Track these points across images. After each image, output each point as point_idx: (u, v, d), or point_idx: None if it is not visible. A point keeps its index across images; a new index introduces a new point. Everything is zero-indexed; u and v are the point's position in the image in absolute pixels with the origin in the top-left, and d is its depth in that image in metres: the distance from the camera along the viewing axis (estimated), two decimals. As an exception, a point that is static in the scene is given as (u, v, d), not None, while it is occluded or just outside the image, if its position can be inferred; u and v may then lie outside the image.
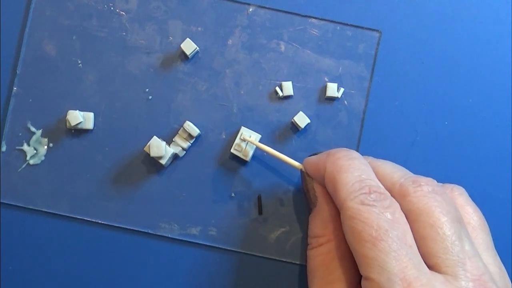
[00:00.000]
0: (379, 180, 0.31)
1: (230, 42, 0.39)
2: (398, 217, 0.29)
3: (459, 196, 0.33)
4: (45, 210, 0.38)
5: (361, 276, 0.29)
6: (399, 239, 0.28)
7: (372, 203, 0.29)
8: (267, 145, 0.37)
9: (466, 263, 0.28)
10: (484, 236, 0.32)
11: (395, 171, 0.32)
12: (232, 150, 0.37)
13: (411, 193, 0.30)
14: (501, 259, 0.36)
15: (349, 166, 0.31)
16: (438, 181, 0.38)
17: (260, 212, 0.38)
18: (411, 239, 0.29)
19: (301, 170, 0.35)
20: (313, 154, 0.35)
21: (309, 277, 0.33)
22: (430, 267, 0.28)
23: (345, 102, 0.39)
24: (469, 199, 0.33)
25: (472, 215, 0.32)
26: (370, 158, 0.34)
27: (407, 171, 0.33)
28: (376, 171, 0.32)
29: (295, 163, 0.36)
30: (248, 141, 0.37)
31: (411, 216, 0.30)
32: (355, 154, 0.33)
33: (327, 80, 0.39)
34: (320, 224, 0.33)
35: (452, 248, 0.28)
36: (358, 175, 0.31)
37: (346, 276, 0.31)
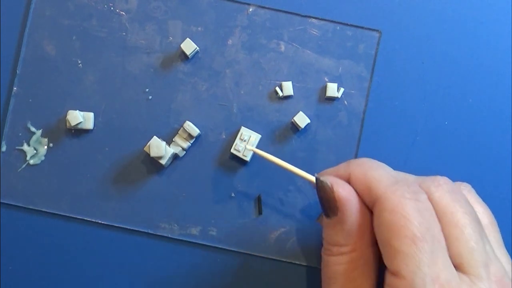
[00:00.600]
0: None
1: (230, 42, 0.39)
2: (435, 216, 0.28)
3: (468, 193, 0.32)
4: (45, 210, 0.38)
5: (383, 276, 0.28)
6: (436, 240, 0.27)
7: (413, 197, 0.28)
8: (267, 145, 0.37)
9: (488, 264, 0.28)
10: (496, 234, 0.31)
11: (407, 175, 0.32)
12: (232, 150, 0.37)
13: (433, 192, 0.30)
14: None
15: (379, 165, 0.31)
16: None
17: (260, 212, 0.38)
18: (444, 239, 0.28)
19: (316, 180, 0.32)
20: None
21: (326, 281, 0.32)
22: (455, 267, 0.28)
23: (345, 102, 0.39)
24: (477, 196, 0.33)
25: (483, 213, 0.32)
26: None
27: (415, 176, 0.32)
28: None
29: (308, 176, 0.34)
30: (260, 154, 0.36)
31: None
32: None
33: (327, 80, 0.39)
34: (342, 233, 0.31)
35: (477, 248, 0.28)
36: (391, 171, 0.31)
37: (368, 284, 0.30)
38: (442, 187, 0.30)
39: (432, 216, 0.28)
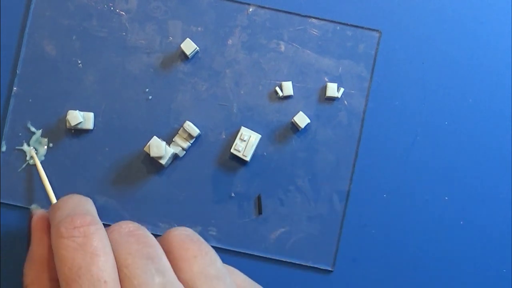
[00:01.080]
0: None
1: (230, 42, 0.39)
2: (99, 246, 0.29)
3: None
4: (45, 210, 0.38)
5: None
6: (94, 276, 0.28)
7: (70, 233, 0.29)
8: (267, 145, 0.37)
9: None
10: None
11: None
12: (232, 150, 0.37)
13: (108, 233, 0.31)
14: (501, 259, 0.36)
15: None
16: (436, 181, 0.38)
17: (260, 212, 0.38)
18: (111, 267, 0.29)
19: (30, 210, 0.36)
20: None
21: None
22: None
23: (345, 102, 0.39)
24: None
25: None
26: None
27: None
28: None
29: (52, 198, 0.36)
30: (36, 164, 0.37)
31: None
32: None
33: (327, 80, 0.39)
34: (29, 263, 0.32)
35: None
36: (67, 212, 0.31)
37: None
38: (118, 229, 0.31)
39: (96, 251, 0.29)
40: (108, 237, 0.30)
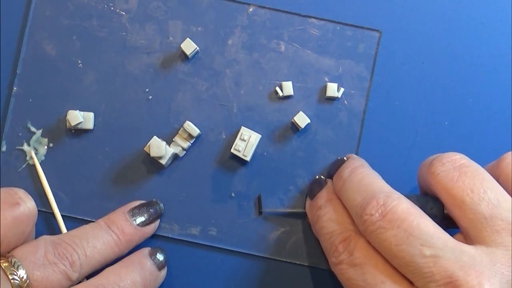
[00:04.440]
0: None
1: (230, 42, 0.39)
2: (361, 255, 0.30)
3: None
4: (45, 210, 0.38)
5: None
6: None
7: (339, 259, 0.31)
8: (267, 145, 0.37)
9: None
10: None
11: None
12: (232, 150, 0.37)
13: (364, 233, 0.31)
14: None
15: (319, 228, 0.34)
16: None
17: (260, 211, 0.38)
18: (382, 266, 0.30)
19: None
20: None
21: None
22: None
23: (345, 102, 0.39)
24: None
25: None
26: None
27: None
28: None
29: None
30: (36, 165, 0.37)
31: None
32: (323, 198, 0.35)
33: (327, 80, 0.39)
34: None
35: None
36: (326, 233, 0.33)
37: None
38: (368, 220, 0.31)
39: (359, 263, 0.31)
40: (364, 232, 0.30)
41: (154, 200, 0.37)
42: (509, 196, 0.29)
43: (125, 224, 0.35)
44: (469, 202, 0.29)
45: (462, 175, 0.30)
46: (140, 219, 0.35)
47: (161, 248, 0.36)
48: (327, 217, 0.33)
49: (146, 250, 0.35)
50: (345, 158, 0.36)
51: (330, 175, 0.37)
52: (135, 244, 0.35)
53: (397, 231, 0.28)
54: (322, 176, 0.37)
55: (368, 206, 0.30)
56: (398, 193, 0.31)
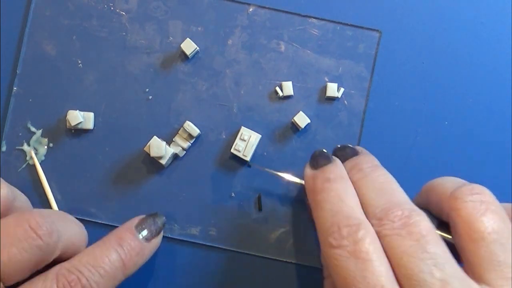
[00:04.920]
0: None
1: (230, 42, 0.39)
2: (369, 250, 0.28)
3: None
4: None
5: None
6: (370, 280, 0.28)
7: (339, 243, 0.29)
8: (267, 145, 0.37)
9: None
10: None
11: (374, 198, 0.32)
12: (232, 150, 0.37)
13: (380, 226, 0.30)
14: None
15: (322, 200, 0.32)
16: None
17: (260, 208, 0.38)
18: (385, 270, 0.28)
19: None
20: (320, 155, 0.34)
21: None
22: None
23: (345, 102, 0.39)
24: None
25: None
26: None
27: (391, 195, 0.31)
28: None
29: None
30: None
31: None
32: (334, 173, 0.32)
33: (327, 80, 0.39)
34: None
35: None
36: (329, 209, 0.31)
37: None
38: (388, 223, 0.30)
39: (366, 253, 0.29)
40: (379, 233, 0.29)
41: (156, 212, 0.35)
42: None
43: (133, 240, 0.33)
44: (488, 240, 0.28)
45: (489, 212, 0.29)
46: (146, 233, 0.34)
47: (155, 214, 0.35)
48: (336, 193, 0.31)
49: (132, 222, 0.34)
50: (350, 145, 0.35)
51: (337, 157, 0.35)
52: (146, 259, 0.34)
53: (414, 243, 0.28)
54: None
55: (391, 213, 0.29)
56: (422, 211, 0.30)
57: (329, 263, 0.29)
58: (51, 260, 0.30)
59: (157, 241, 0.34)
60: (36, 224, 0.29)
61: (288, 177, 0.36)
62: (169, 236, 0.38)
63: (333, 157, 0.34)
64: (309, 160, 0.34)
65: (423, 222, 0.29)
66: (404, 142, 0.38)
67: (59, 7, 0.39)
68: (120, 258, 0.31)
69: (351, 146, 0.35)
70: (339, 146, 0.35)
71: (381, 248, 0.29)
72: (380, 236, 0.29)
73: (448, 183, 0.31)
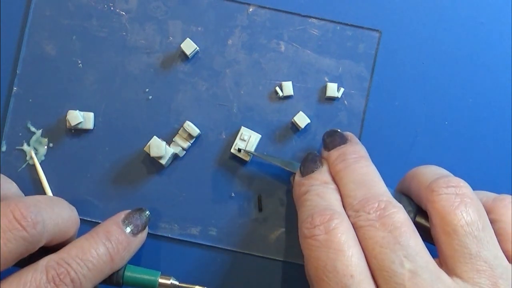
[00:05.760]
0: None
1: (230, 42, 0.39)
2: (341, 239, 0.29)
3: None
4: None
5: None
6: (338, 273, 0.28)
7: (312, 232, 0.29)
8: (267, 145, 0.37)
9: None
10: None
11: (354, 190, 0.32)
12: (232, 150, 0.37)
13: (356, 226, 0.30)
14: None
15: (304, 199, 0.33)
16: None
17: (260, 209, 0.38)
18: (357, 260, 0.28)
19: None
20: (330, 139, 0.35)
21: None
22: None
23: (345, 102, 0.39)
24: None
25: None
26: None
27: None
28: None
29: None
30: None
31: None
32: (320, 180, 0.33)
33: (327, 80, 0.39)
34: None
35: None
36: (308, 205, 0.32)
37: None
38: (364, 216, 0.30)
39: (338, 242, 0.29)
40: (354, 224, 0.29)
41: (141, 207, 0.35)
42: (496, 241, 0.29)
43: (120, 234, 0.33)
44: (461, 233, 0.28)
45: (463, 205, 0.29)
46: (132, 227, 0.34)
47: (140, 209, 0.35)
48: (316, 192, 0.33)
49: (119, 216, 0.34)
50: (339, 131, 0.36)
51: (325, 143, 0.35)
52: (133, 253, 0.34)
53: (387, 234, 0.28)
54: (316, 153, 0.36)
55: (367, 205, 0.30)
56: (398, 203, 0.30)
57: (303, 253, 0.30)
58: (36, 249, 0.30)
59: (143, 235, 0.34)
60: (20, 215, 0.29)
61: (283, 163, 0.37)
62: (169, 236, 0.38)
63: (321, 161, 0.35)
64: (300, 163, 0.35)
65: (398, 214, 0.29)
66: (404, 142, 0.38)
67: (59, 7, 0.39)
68: (107, 252, 0.32)
69: (340, 132, 0.35)
70: (328, 131, 0.36)
71: (355, 239, 0.29)
72: (355, 227, 0.30)
73: (428, 173, 0.32)
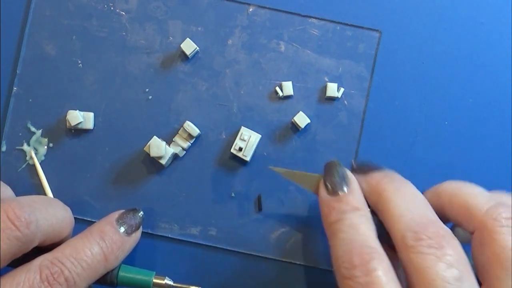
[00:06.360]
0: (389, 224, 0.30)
1: (230, 42, 0.39)
2: (382, 281, 0.27)
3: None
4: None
5: None
6: None
7: (351, 273, 0.28)
8: (267, 145, 0.37)
9: None
10: None
11: (403, 215, 0.30)
12: (232, 150, 0.37)
13: (409, 248, 0.29)
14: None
15: (337, 229, 0.31)
16: (436, 181, 0.38)
17: (260, 209, 0.38)
18: None
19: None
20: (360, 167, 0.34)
21: None
22: None
23: (345, 102, 0.39)
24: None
25: None
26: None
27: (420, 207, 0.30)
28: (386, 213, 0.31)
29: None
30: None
31: (406, 272, 0.29)
32: (351, 205, 0.31)
33: (327, 80, 0.39)
34: None
35: None
36: (343, 238, 0.30)
37: None
38: (421, 242, 0.29)
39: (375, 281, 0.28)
40: (413, 249, 0.28)
41: (135, 208, 0.35)
42: None
43: (114, 234, 0.33)
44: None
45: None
46: (126, 227, 0.34)
47: (134, 209, 0.35)
48: (350, 222, 0.31)
49: (113, 216, 0.34)
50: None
51: (359, 168, 0.34)
52: (127, 253, 0.34)
53: (447, 268, 0.27)
54: (341, 164, 0.33)
55: (427, 228, 0.29)
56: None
57: None
58: (29, 249, 0.30)
59: (137, 235, 0.34)
60: (14, 215, 0.29)
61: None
62: (169, 236, 0.38)
63: (350, 179, 0.33)
64: (323, 175, 0.33)
65: (458, 246, 0.28)
66: (404, 142, 0.38)
67: (59, 7, 0.39)
68: (102, 252, 0.32)
69: (371, 164, 0.34)
70: (359, 164, 0.34)
71: (395, 279, 0.28)
72: (411, 251, 0.28)
73: (480, 197, 0.31)
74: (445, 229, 0.29)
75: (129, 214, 0.34)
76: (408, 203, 0.30)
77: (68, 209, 0.34)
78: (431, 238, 0.28)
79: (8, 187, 0.34)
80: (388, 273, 0.28)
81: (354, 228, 0.30)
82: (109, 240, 0.32)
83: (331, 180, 0.32)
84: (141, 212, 0.35)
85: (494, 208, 0.29)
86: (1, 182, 0.34)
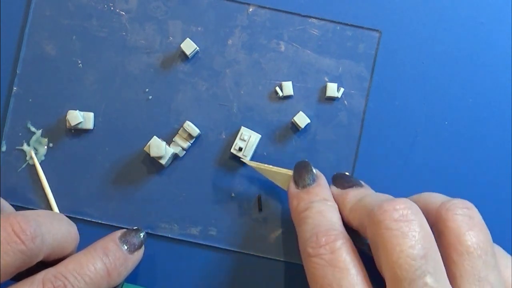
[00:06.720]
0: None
1: (230, 42, 0.39)
2: (346, 259, 0.29)
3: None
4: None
5: None
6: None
7: (317, 251, 0.30)
8: (267, 145, 0.37)
9: None
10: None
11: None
12: (232, 150, 0.37)
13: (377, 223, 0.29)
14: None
15: (305, 217, 0.33)
16: (436, 181, 0.38)
17: (260, 209, 0.38)
18: (362, 278, 0.29)
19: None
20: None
21: None
22: None
23: (345, 102, 0.39)
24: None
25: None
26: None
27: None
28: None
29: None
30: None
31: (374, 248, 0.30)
32: (319, 196, 0.34)
33: (327, 80, 0.39)
34: None
35: None
36: (310, 223, 0.32)
37: None
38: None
39: (341, 261, 0.29)
40: (376, 232, 0.29)
41: (138, 227, 0.36)
42: (499, 267, 0.29)
43: (118, 250, 0.33)
44: (473, 255, 0.29)
45: (477, 228, 0.29)
46: (128, 245, 0.34)
47: (137, 229, 0.35)
48: (318, 210, 0.33)
49: (116, 234, 0.34)
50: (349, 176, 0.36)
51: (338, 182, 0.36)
52: (130, 270, 0.34)
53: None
54: (308, 162, 0.36)
55: (393, 206, 0.29)
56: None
57: (307, 272, 0.30)
58: (34, 263, 0.30)
59: (139, 253, 0.35)
60: (19, 228, 0.29)
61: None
62: (169, 236, 0.38)
63: (317, 174, 0.35)
64: (293, 171, 0.35)
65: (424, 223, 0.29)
66: (404, 142, 0.38)
67: (59, 7, 0.39)
68: (105, 267, 0.32)
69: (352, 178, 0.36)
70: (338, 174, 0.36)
71: (359, 259, 0.30)
72: (379, 227, 0.29)
73: (437, 196, 0.32)
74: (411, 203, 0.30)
75: (131, 233, 0.35)
76: (377, 195, 0.33)
77: (74, 224, 0.34)
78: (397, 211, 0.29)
79: (3, 199, 0.34)
80: (352, 252, 0.30)
81: (322, 215, 0.32)
82: (112, 256, 0.33)
83: (300, 175, 0.35)
84: (144, 232, 0.35)
85: (449, 201, 0.30)
86: (1, 199, 0.34)
